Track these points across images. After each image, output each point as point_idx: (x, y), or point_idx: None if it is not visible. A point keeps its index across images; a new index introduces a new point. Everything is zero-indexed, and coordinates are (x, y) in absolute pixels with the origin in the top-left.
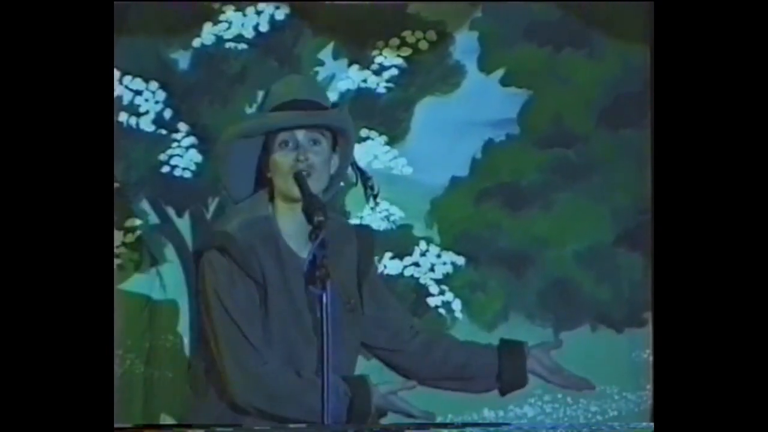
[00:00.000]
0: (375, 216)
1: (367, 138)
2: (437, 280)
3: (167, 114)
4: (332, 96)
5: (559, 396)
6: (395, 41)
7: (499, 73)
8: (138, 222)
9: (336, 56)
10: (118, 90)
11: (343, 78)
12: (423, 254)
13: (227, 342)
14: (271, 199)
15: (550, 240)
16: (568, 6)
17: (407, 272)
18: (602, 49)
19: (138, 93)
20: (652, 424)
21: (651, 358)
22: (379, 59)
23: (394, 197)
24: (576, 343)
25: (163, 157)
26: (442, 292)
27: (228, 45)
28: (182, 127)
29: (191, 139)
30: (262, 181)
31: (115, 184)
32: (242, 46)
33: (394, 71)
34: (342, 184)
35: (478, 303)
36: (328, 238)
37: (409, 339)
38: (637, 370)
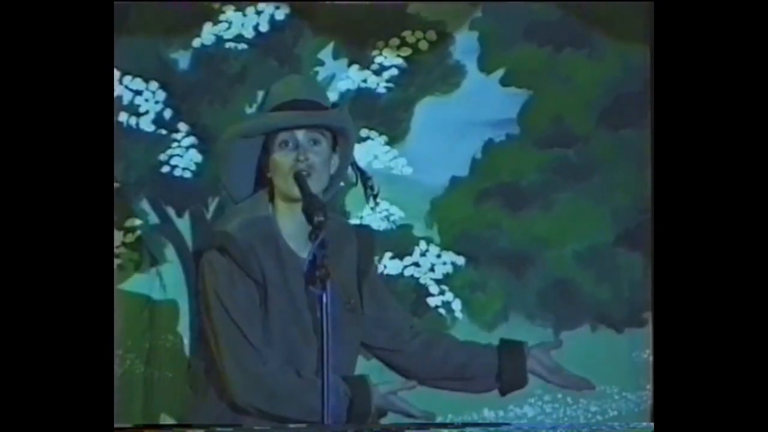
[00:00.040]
0: (375, 216)
1: (367, 138)
2: (437, 280)
3: (167, 114)
4: (332, 96)
5: (559, 396)
6: (395, 41)
7: (499, 73)
8: (138, 222)
9: (336, 56)
10: (118, 90)
11: (343, 78)
12: (423, 254)
13: (227, 342)
14: (271, 199)
15: (550, 240)
16: (568, 6)
17: (407, 272)
18: (602, 49)
19: (138, 93)
20: (652, 424)
21: (651, 358)
22: (379, 59)
23: (394, 197)
24: (576, 343)
25: (163, 157)
26: (442, 292)
27: (228, 45)
28: (182, 127)
29: (191, 139)
30: (262, 181)
31: (115, 184)
32: (242, 46)
33: (394, 71)
34: (342, 184)
35: (478, 303)
36: (328, 238)
37: (409, 339)
38: (637, 370)
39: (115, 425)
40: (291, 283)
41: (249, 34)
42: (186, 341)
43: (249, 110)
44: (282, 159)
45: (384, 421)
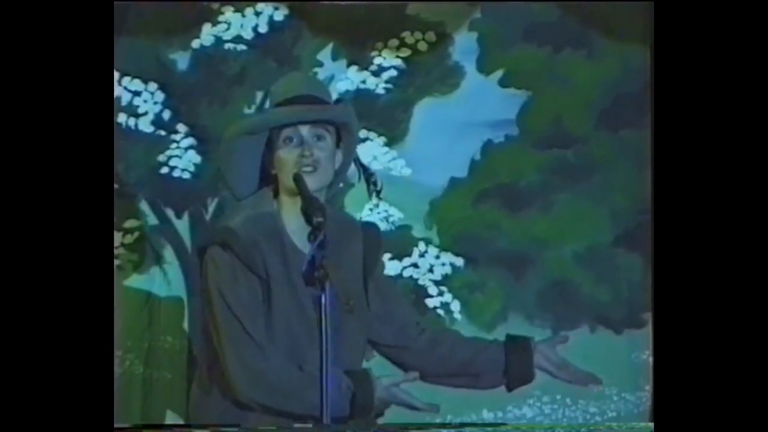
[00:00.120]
0: (374, 217)
1: (366, 139)
2: (436, 281)
3: (166, 115)
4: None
5: (558, 397)
6: (394, 42)
7: (498, 73)
8: (137, 223)
9: (335, 57)
10: (117, 91)
11: (342, 79)
12: (422, 255)
13: (229, 337)
14: (276, 195)
15: (550, 241)
16: (567, 6)
17: (406, 273)
18: (601, 50)
19: (137, 94)
20: (651, 424)
21: (650, 359)
22: (378, 60)
23: (393, 198)
24: (575, 344)
25: (162, 158)
26: (440, 293)
27: (227, 46)
28: (181, 128)
29: (190, 140)
30: (266, 178)
31: (114, 185)
32: (241, 47)
33: (393, 72)
34: (342, 185)
35: (477, 304)
36: (333, 235)
37: (416, 336)
38: (636, 371)
39: (115, 425)
40: (295, 279)
41: (248, 35)
42: (185, 342)
43: (248, 111)
44: (287, 155)
45: (387, 414)
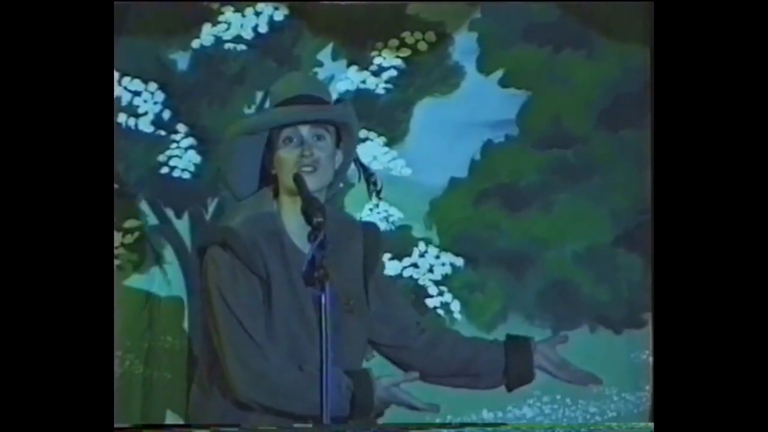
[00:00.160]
0: (374, 217)
1: (366, 139)
2: (436, 281)
3: (166, 115)
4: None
5: (558, 397)
6: (394, 42)
7: (498, 73)
8: (137, 223)
9: (335, 57)
10: (117, 91)
11: (342, 79)
12: (422, 255)
13: (229, 338)
14: (276, 195)
15: (549, 241)
16: (567, 6)
17: (406, 273)
18: (601, 50)
19: (137, 94)
20: (651, 424)
21: (650, 359)
22: (378, 60)
23: (393, 198)
24: (575, 344)
25: (161, 158)
26: (440, 293)
27: (227, 46)
28: (181, 128)
29: (190, 140)
30: (266, 178)
31: (114, 185)
32: (241, 47)
33: (393, 72)
34: (342, 185)
35: (476, 304)
36: (333, 235)
37: (415, 336)
38: (635, 371)
39: (115, 425)
40: (295, 279)
41: (248, 35)
42: (185, 342)
43: (248, 111)
44: (287, 155)
45: (387, 413)
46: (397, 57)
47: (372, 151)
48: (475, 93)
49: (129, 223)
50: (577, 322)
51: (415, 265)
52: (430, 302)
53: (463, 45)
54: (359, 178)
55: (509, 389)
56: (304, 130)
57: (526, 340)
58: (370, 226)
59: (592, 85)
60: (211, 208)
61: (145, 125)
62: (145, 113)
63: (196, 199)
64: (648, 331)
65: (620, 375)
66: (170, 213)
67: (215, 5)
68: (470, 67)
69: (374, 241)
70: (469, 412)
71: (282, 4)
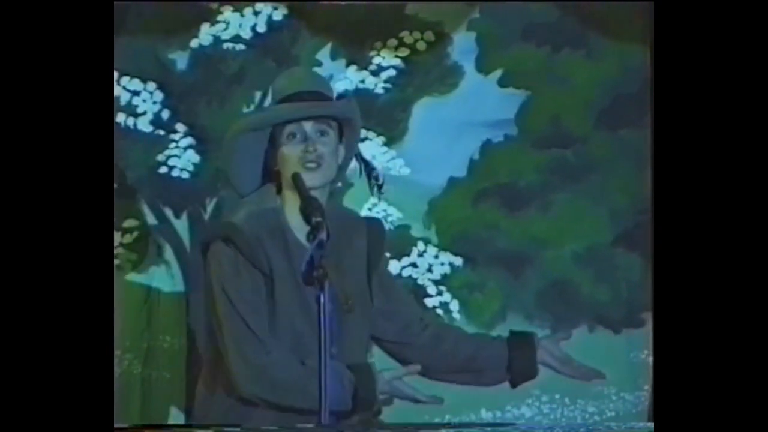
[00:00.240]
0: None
1: (365, 138)
2: (435, 281)
3: (165, 115)
4: None
5: (557, 396)
6: (393, 42)
7: (497, 73)
8: (136, 222)
9: (334, 57)
10: (116, 90)
11: (341, 78)
12: (421, 255)
13: (231, 333)
14: (279, 191)
15: (549, 240)
16: (566, 6)
17: (405, 273)
18: (600, 50)
19: (136, 93)
20: (650, 424)
21: (649, 359)
22: (377, 60)
23: (392, 198)
24: (574, 344)
25: (160, 157)
26: (439, 293)
27: (226, 45)
28: (180, 127)
29: (189, 140)
30: (269, 174)
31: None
32: (240, 46)
33: (392, 72)
34: (340, 184)
35: (476, 304)
36: (336, 230)
37: (419, 332)
38: (635, 371)
39: (114, 425)
40: (298, 275)
41: (247, 34)
42: (184, 341)
43: (247, 110)
44: (290, 151)
45: (391, 408)
46: (396, 57)
47: (371, 150)
48: (474, 93)
49: (128, 223)
50: (576, 322)
51: (414, 265)
52: (429, 302)
53: (462, 45)
54: (360, 173)
55: (513, 385)
56: (308, 126)
57: (529, 335)
58: (374, 222)
59: (592, 85)
60: (209, 208)
61: (144, 125)
62: (144, 113)
63: (194, 199)
64: (647, 330)
65: (619, 375)
66: (169, 212)
67: (214, 5)
68: (469, 67)
69: (378, 237)
70: (467, 411)
71: (281, 3)
